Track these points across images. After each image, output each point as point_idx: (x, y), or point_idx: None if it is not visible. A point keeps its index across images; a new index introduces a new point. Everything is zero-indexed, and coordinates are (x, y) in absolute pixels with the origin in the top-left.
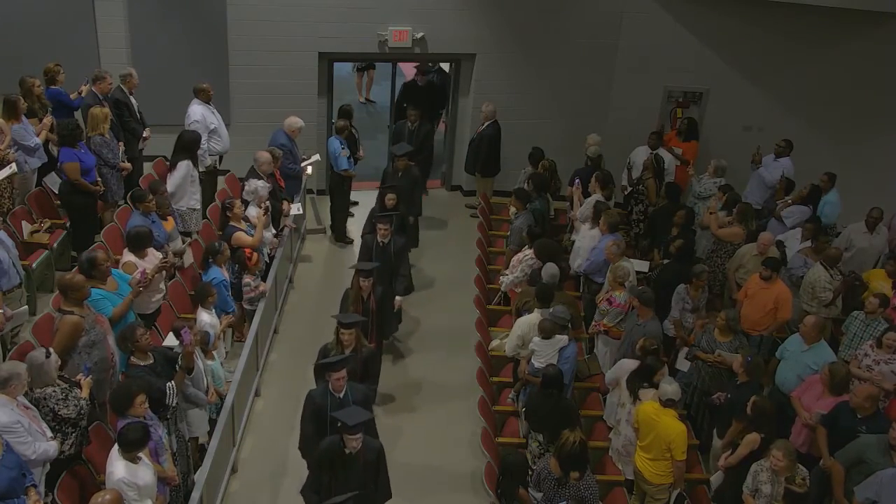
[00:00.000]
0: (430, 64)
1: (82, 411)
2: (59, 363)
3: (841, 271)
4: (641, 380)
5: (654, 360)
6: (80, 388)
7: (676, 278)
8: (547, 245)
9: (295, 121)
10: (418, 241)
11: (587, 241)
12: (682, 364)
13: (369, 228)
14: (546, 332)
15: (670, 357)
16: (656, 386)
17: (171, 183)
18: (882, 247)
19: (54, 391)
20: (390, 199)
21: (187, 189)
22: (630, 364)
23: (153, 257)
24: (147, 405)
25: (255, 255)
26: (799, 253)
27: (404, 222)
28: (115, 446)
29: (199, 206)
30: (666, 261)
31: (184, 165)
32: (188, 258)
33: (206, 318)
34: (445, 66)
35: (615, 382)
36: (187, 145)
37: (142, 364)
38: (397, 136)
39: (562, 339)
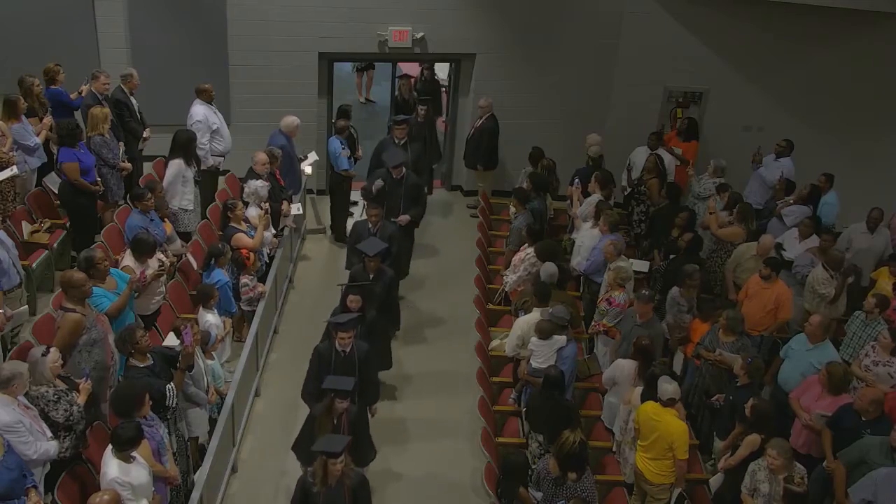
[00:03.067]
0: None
1: (72, 417)
2: (60, 363)
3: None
4: (652, 391)
5: (647, 359)
6: (79, 392)
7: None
8: (547, 245)
9: (291, 120)
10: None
11: (588, 239)
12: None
13: (325, 336)
14: (543, 332)
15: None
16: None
17: (164, 182)
18: (883, 247)
19: (46, 392)
20: (353, 300)
21: (178, 189)
22: (626, 364)
23: (153, 260)
24: (149, 405)
25: (253, 255)
26: (807, 252)
27: (372, 327)
28: (109, 446)
29: (191, 207)
30: (664, 262)
31: (175, 164)
32: (193, 262)
33: (210, 318)
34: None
35: (612, 383)
36: (182, 144)
37: (140, 365)
38: (357, 236)
39: (560, 339)
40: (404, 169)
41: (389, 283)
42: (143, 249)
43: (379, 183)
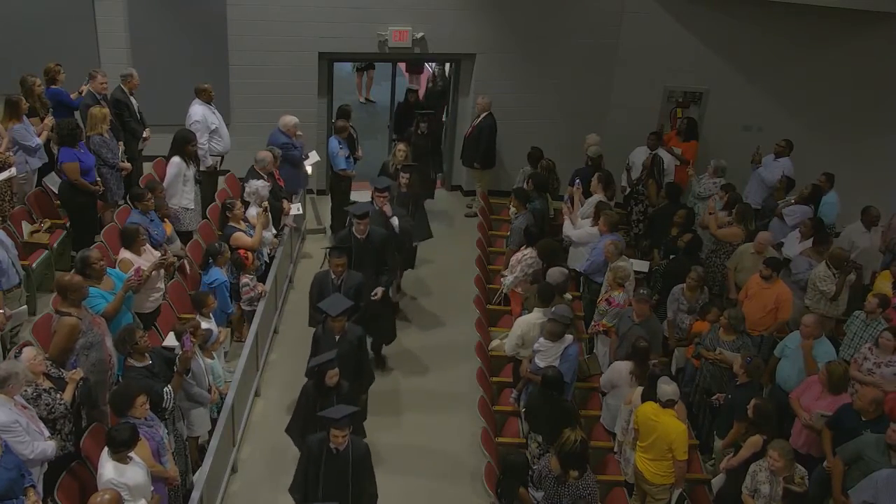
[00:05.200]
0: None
1: (53, 411)
2: (39, 359)
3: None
4: (652, 392)
5: (642, 361)
6: (66, 388)
7: (685, 272)
8: (549, 245)
9: (290, 119)
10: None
11: (585, 236)
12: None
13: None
14: (555, 335)
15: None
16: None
17: (165, 181)
18: (878, 245)
19: (25, 391)
20: (332, 375)
21: (179, 188)
22: (623, 367)
23: (150, 255)
24: (148, 406)
25: (251, 255)
26: (802, 255)
27: (346, 399)
28: (105, 447)
29: (192, 206)
30: (665, 261)
31: (176, 164)
32: (187, 267)
33: (204, 326)
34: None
35: (610, 385)
36: (176, 143)
37: (139, 365)
38: (319, 290)
39: (568, 337)
40: (368, 227)
41: (358, 343)
42: (131, 238)
43: (343, 232)
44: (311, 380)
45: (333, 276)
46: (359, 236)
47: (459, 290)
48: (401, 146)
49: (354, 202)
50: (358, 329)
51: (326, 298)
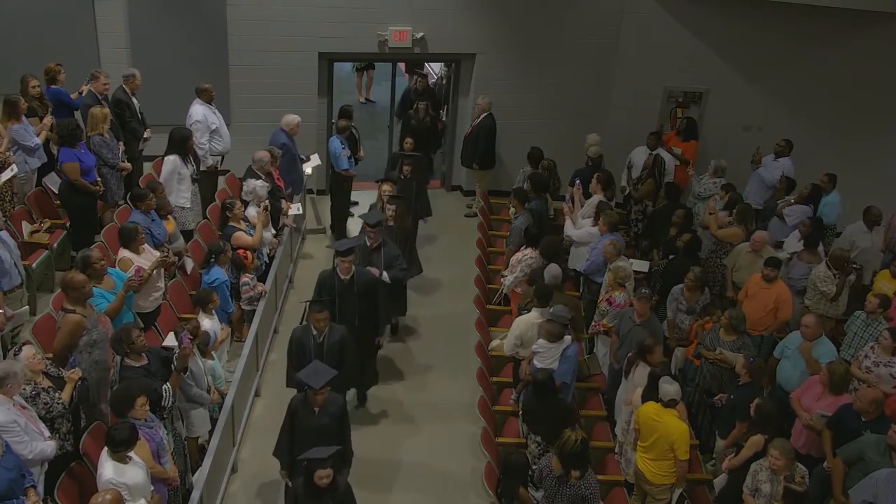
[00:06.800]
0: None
1: (51, 410)
2: (38, 358)
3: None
4: (653, 392)
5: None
6: (65, 388)
7: (685, 272)
8: (552, 243)
9: (292, 118)
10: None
11: (586, 235)
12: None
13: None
14: (554, 335)
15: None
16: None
17: (160, 179)
18: (879, 245)
19: (23, 390)
20: (322, 476)
21: (174, 186)
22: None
23: (150, 254)
24: (148, 407)
25: (251, 254)
26: (799, 261)
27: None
28: (105, 447)
29: (188, 205)
30: (664, 261)
31: (170, 161)
32: (189, 264)
33: (207, 323)
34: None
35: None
36: (177, 141)
37: (135, 365)
38: (298, 348)
39: (566, 338)
40: (353, 267)
41: (340, 415)
42: (129, 237)
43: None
44: (299, 477)
45: (315, 333)
46: (342, 276)
47: (459, 289)
48: (385, 186)
49: (356, 202)
50: (339, 399)
51: (307, 367)
